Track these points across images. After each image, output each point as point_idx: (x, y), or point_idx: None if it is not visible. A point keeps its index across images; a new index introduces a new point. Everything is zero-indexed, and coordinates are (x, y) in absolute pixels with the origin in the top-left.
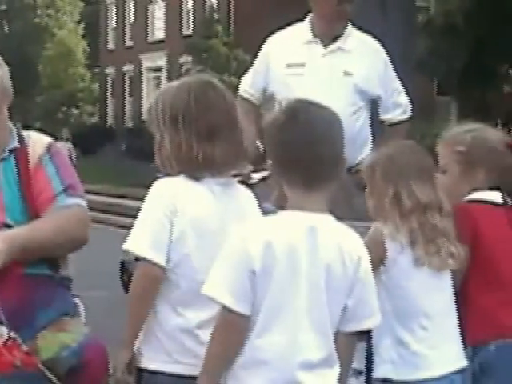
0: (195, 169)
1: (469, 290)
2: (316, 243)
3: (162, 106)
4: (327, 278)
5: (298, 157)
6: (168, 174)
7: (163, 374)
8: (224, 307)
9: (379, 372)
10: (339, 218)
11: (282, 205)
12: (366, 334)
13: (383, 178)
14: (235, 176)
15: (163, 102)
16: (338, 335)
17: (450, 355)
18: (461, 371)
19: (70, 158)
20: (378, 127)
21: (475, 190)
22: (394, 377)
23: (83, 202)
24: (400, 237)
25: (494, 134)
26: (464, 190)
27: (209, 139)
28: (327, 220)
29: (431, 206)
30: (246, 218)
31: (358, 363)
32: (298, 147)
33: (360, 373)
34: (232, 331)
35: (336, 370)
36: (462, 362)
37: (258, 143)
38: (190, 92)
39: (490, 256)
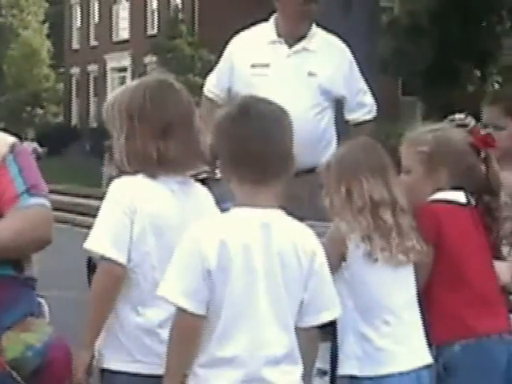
0: (149, 167)
1: (433, 290)
2: (270, 239)
3: (119, 106)
4: (283, 273)
5: (249, 151)
6: (124, 173)
7: (124, 373)
8: (178, 308)
9: (344, 369)
10: (303, 218)
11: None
12: (330, 334)
13: (336, 177)
14: (197, 174)
15: (120, 101)
16: (297, 331)
17: (417, 350)
18: (428, 367)
19: (37, 157)
20: (343, 127)
21: (439, 189)
22: (359, 373)
23: (47, 202)
24: (354, 233)
25: (457, 134)
26: (427, 190)
27: (163, 137)
28: (279, 215)
29: (383, 203)
30: (204, 215)
31: (323, 363)
32: (248, 142)
33: (324, 373)
34: (188, 331)
35: (300, 367)
36: (429, 358)
37: None
38: (145, 91)
39: (455, 256)
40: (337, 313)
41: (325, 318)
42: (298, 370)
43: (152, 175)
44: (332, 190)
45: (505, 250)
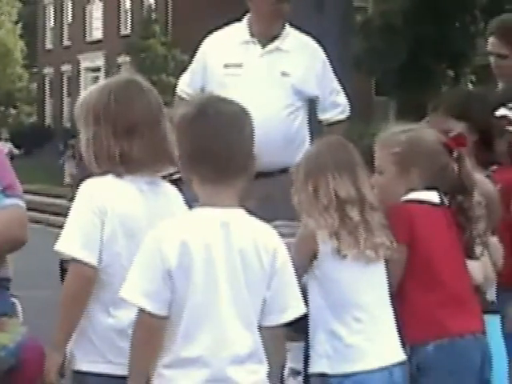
0: (114, 167)
1: (406, 290)
2: (230, 239)
3: (87, 105)
4: (245, 272)
5: (208, 151)
6: (93, 173)
7: (96, 374)
8: (140, 309)
9: (315, 367)
10: (277, 218)
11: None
12: (303, 334)
13: (303, 175)
14: (172, 174)
15: (88, 101)
16: (261, 330)
17: (389, 347)
18: (401, 364)
19: (11, 157)
20: (317, 127)
21: (412, 190)
22: (330, 371)
23: (22, 203)
24: (321, 230)
25: (429, 134)
26: (400, 191)
27: (127, 138)
28: (240, 214)
29: (350, 200)
30: (173, 215)
31: (296, 363)
32: (208, 141)
33: (298, 373)
34: (150, 332)
35: (265, 366)
36: (402, 355)
37: None
38: (110, 91)
39: (428, 256)
40: (301, 311)
41: (288, 316)
42: (263, 368)
43: (118, 175)
44: (300, 188)
45: (478, 249)
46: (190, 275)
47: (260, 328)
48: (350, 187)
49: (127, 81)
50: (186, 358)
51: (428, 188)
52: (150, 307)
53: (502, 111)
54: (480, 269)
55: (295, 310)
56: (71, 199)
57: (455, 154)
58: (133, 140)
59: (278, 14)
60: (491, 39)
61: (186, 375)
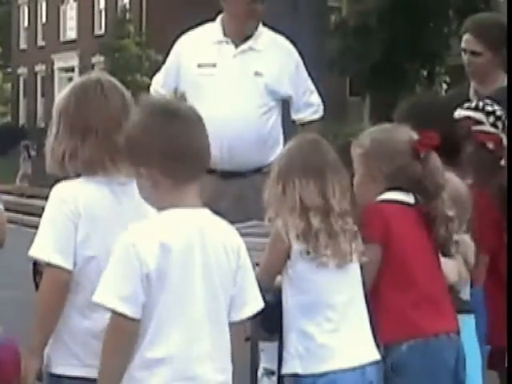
0: (62, 167)
1: (380, 290)
2: (205, 239)
3: (56, 106)
4: (218, 271)
5: (183, 151)
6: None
7: (72, 377)
8: (113, 312)
9: (287, 368)
10: (250, 218)
11: None
12: (277, 333)
13: (274, 176)
14: None
15: (56, 102)
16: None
17: (362, 347)
18: (375, 363)
19: None
20: (290, 127)
21: (388, 190)
22: (301, 371)
23: (0, 205)
24: (289, 231)
25: (396, 135)
26: (371, 191)
27: (82, 139)
28: (208, 215)
29: (313, 206)
30: (146, 216)
31: (270, 363)
32: (182, 141)
33: (272, 373)
34: (125, 336)
35: (231, 365)
36: (375, 355)
37: None
38: (71, 91)
39: (402, 256)
40: (259, 307)
41: (246, 312)
42: (230, 367)
43: (91, 176)
44: (270, 185)
45: (452, 248)
46: (167, 277)
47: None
48: (316, 196)
49: (90, 81)
50: (155, 358)
51: (400, 188)
52: (127, 311)
53: (462, 112)
54: (454, 267)
55: (254, 306)
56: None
57: (422, 155)
58: (86, 141)
59: (251, 14)
60: (466, 36)
61: (156, 374)
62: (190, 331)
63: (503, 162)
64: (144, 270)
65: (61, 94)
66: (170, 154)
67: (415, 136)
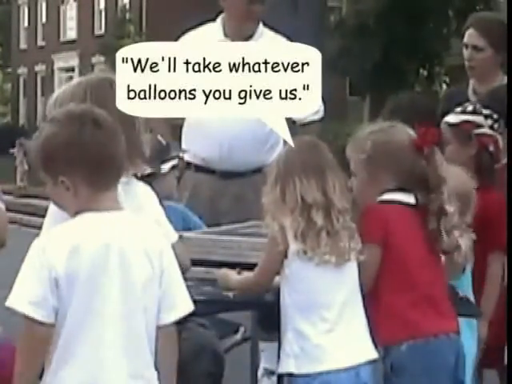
0: None
1: (380, 291)
2: (121, 242)
3: (60, 105)
4: (138, 275)
5: (104, 158)
6: None
7: None
8: (24, 316)
9: (282, 367)
10: (249, 218)
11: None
12: (277, 333)
13: (272, 177)
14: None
15: (61, 100)
16: (157, 330)
17: (357, 347)
18: (371, 362)
19: None
20: (291, 127)
21: (388, 190)
22: (296, 371)
23: (2, 205)
24: (287, 232)
25: (396, 134)
26: (373, 193)
27: None
28: (127, 217)
29: (315, 204)
30: (144, 216)
31: (270, 363)
32: (104, 148)
33: (272, 373)
34: (36, 341)
35: (153, 370)
36: (371, 354)
37: (160, 138)
38: (86, 89)
39: (401, 257)
40: (188, 309)
41: (174, 316)
42: (150, 373)
43: None
44: (269, 190)
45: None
46: (78, 281)
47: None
48: (317, 192)
49: (102, 79)
50: (64, 363)
51: (401, 189)
52: (37, 315)
53: (460, 117)
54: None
55: (183, 309)
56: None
57: (425, 151)
58: None
59: (251, 14)
60: (469, 31)
61: (63, 380)
62: (101, 336)
63: (504, 161)
64: (53, 275)
65: (65, 93)
66: (94, 164)
67: (413, 133)
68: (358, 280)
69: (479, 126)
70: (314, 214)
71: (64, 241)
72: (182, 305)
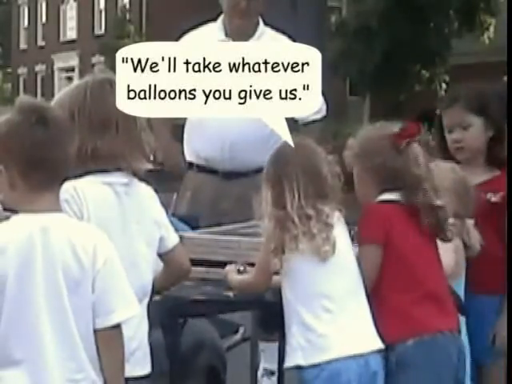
0: (84, 162)
1: (383, 290)
2: (49, 243)
3: (60, 104)
4: (65, 277)
5: (47, 159)
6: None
7: None
8: None
9: (289, 361)
10: (251, 218)
11: None
12: (277, 333)
13: (266, 176)
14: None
15: (63, 100)
16: (95, 334)
17: (363, 336)
18: (378, 352)
19: None
20: (293, 126)
21: (388, 190)
22: (304, 362)
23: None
24: (282, 230)
25: (382, 131)
26: (368, 192)
27: (101, 133)
28: (60, 219)
29: (307, 201)
30: (145, 217)
31: (270, 363)
32: (47, 149)
33: (272, 373)
34: None
35: (89, 374)
36: (378, 344)
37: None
38: (86, 89)
39: (402, 255)
40: (131, 312)
41: (116, 318)
42: (82, 376)
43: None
44: (262, 189)
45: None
46: (6, 283)
47: (94, 332)
48: (310, 189)
49: (102, 78)
50: (5, 369)
51: (389, 189)
52: None
53: None
54: (449, 250)
55: (123, 312)
56: None
57: (402, 147)
58: (105, 135)
59: (248, 10)
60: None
61: None
62: (36, 342)
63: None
64: None
65: (66, 94)
66: (31, 161)
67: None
68: (358, 272)
69: None
70: (307, 210)
71: None
72: (120, 310)
